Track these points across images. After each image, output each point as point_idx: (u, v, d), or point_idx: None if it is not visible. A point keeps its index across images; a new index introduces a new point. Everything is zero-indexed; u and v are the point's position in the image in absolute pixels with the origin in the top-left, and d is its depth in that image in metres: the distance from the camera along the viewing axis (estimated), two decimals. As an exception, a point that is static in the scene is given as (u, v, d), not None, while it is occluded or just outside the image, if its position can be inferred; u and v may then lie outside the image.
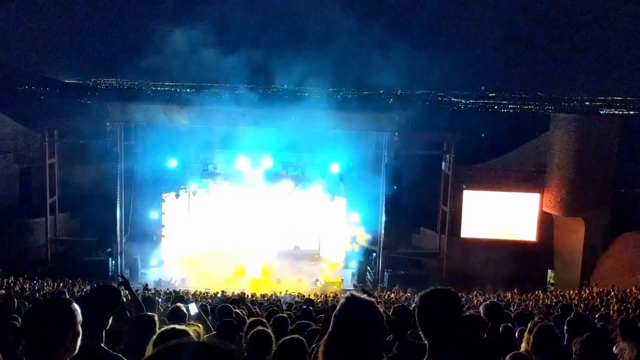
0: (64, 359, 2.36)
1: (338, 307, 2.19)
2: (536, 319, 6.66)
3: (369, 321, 2.13)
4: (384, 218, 24.86)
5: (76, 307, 2.44)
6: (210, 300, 15.28)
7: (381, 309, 2.20)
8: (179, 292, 17.56)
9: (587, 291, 19.00)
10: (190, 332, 2.85)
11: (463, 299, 17.55)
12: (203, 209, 28.41)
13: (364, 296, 2.22)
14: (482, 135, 35.27)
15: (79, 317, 2.43)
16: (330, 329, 2.16)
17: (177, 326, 3.01)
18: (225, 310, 6.64)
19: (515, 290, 20.46)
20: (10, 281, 18.02)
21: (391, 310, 5.24)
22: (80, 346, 2.47)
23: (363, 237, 25.88)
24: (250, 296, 16.92)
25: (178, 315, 5.50)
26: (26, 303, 8.67)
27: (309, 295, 18.72)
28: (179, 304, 6.16)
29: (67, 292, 15.04)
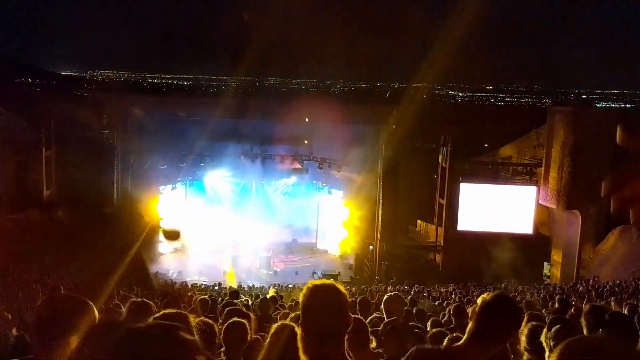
0: None
1: (482, 305, 2.40)
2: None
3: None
4: (380, 211, 24.90)
5: None
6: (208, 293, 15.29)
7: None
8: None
9: (584, 284, 19.08)
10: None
11: (463, 292, 17.62)
12: (200, 201, 28.38)
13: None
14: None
15: None
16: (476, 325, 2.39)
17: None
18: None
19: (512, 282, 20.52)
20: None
21: (384, 298, 5.20)
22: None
23: (360, 229, 25.91)
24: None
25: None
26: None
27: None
28: None
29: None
